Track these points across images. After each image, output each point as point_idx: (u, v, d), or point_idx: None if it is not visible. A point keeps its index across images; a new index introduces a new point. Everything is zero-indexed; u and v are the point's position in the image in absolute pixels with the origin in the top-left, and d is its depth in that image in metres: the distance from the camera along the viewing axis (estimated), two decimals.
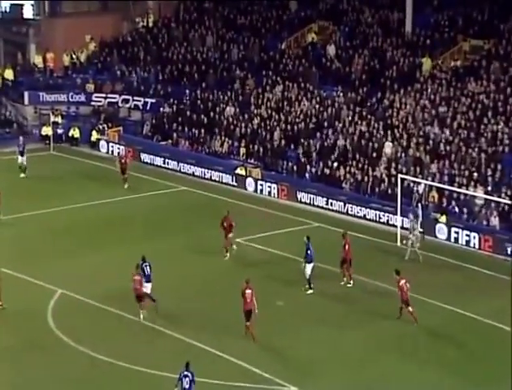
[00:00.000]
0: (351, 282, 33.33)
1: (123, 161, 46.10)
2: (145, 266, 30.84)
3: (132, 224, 40.27)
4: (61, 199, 42.82)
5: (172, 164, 49.22)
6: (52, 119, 53.63)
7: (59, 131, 53.42)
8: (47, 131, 52.96)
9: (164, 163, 49.55)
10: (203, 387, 24.84)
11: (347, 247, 33.25)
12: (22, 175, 46.44)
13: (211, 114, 51.05)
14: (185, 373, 23.69)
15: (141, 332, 29.69)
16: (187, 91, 53.55)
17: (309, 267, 32.55)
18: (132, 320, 30.37)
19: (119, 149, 51.47)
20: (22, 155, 46.50)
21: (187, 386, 23.55)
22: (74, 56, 57.98)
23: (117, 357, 27.52)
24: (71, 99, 55.98)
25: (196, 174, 48.13)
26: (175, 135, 51.29)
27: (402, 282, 30.20)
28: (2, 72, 57.10)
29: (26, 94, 55.86)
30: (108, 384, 26.49)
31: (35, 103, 55.74)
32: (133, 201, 43.71)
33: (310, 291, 32.68)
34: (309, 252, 32.56)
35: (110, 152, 51.87)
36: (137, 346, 28.56)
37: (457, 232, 38.58)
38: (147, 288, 30.55)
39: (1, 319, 30.25)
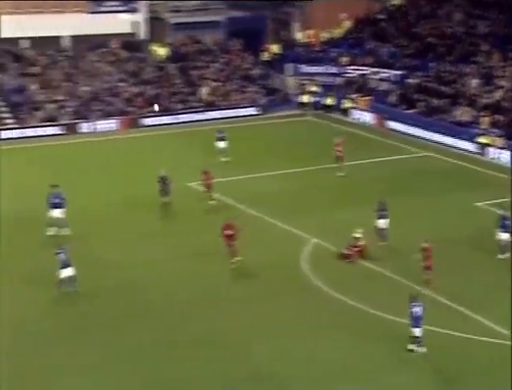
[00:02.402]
0: None
1: (339, 149, 39.10)
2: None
3: (379, 183, 37.79)
4: (318, 159, 41.03)
5: (417, 131, 46.18)
6: (310, 88, 52.55)
7: (316, 99, 52.14)
8: (305, 99, 52.02)
9: (409, 130, 46.62)
10: (434, 336, 22.90)
11: None
12: (223, 159, 40.50)
13: (455, 85, 47.40)
14: (416, 303, 23.07)
15: (386, 283, 27.51)
16: (432, 64, 50.22)
17: (505, 236, 29.03)
18: (376, 271, 28.26)
19: (367, 116, 49.53)
20: (222, 140, 41.50)
21: (420, 313, 22.93)
22: (331, 33, 56.39)
23: (365, 304, 25.69)
24: (326, 71, 54.40)
25: (439, 141, 44.77)
26: (419, 104, 48.18)
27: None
28: (270, 48, 56.53)
29: (288, 66, 54.96)
30: (356, 329, 24.52)
31: (296, 74, 54.77)
32: (378, 164, 41.04)
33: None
34: (506, 222, 29.02)
35: (359, 119, 49.83)
36: (381, 294, 26.48)
37: None
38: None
39: (258, 264, 28.87)
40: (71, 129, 47.37)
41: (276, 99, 53.21)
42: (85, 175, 38.88)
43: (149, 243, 30.85)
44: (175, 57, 54.02)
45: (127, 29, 54.56)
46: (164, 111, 49.97)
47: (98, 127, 47.96)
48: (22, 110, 47.60)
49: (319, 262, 29.18)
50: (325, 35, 56.38)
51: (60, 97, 48.91)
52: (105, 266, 28.87)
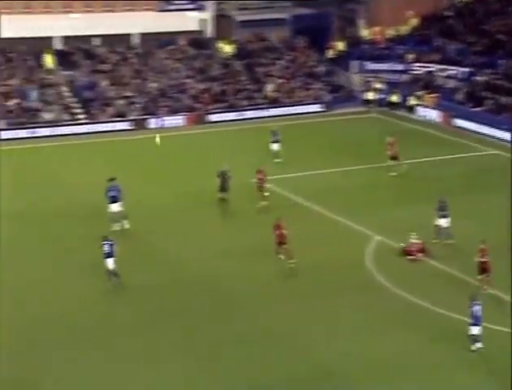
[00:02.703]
0: None
1: (392, 148, 38.06)
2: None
3: (444, 181, 36.94)
4: (382, 156, 40.17)
5: (484, 129, 45.04)
6: (375, 85, 51.93)
7: (381, 96, 51.45)
8: (370, 96, 51.43)
9: (476, 128, 45.49)
10: (500, 335, 22.54)
11: None
12: (276, 160, 39.54)
13: None
14: (476, 302, 22.92)
15: (451, 281, 26.94)
16: (501, 61, 48.98)
17: None
18: (440, 269, 27.66)
19: (433, 114, 48.66)
20: (276, 142, 39.97)
21: (479, 313, 22.79)
22: (397, 30, 55.65)
23: (429, 302, 25.21)
24: (392, 68, 53.62)
25: (506, 139, 43.52)
26: (487, 102, 47.02)
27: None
28: (335, 45, 56.09)
29: (354, 63, 54.39)
30: (419, 327, 24.02)
31: (361, 71, 54.18)
32: (444, 162, 40.20)
33: None
34: None
35: (425, 116, 48.91)
36: (446, 292, 25.96)
37: None
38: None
39: (322, 260, 28.47)
40: (139, 125, 47.81)
41: (341, 96, 52.72)
42: (150, 170, 39.08)
43: (203, 239, 30.56)
44: (241, 54, 54.02)
45: (194, 27, 54.82)
46: (230, 108, 50.04)
47: (166, 122, 48.31)
48: (93, 105, 48.25)
49: (384, 260, 28.66)
50: (391, 32, 55.68)
51: (129, 94, 49.41)
52: (156, 260, 28.72)
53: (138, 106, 48.76)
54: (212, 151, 41.99)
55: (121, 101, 48.79)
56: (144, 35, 52.98)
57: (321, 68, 54.31)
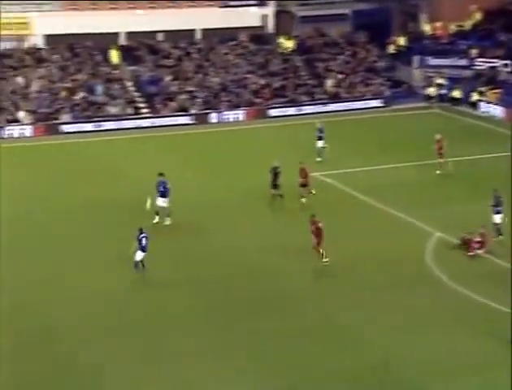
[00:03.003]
0: None
1: (439, 146, 37.64)
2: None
3: (504, 178, 36.05)
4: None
5: None
6: (437, 80, 51.29)
7: (443, 91, 50.79)
8: (431, 91, 50.85)
9: None
10: None
11: None
12: (318, 158, 39.01)
13: None
14: None
15: None
16: None
17: None
18: (501, 265, 27.19)
19: (496, 109, 47.80)
20: (320, 139, 39.49)
21: None
22: (459, 24, 54.77)
23: (492, 300, 24.96)
24: (454, 63, 52.82)
25: None
26: None
27: None
28: (396, 40, 55.53)
29: (415, 58, 53.74)
30: (480, 324, 23.82)
31: (422, 67, 53.50)
32: (506, 158, 39.34)
33: None
34: None
35: (488, 112, 48.08)
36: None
37: None
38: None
39: (382, 255, 28.27)
40: (200, 119, 48.19)
41: (402, 91, 52.19)
42: (208, 164, 39.23)
43: (249, 236, 30.33)
44: (302, 49, 53.90)
45: (256, 23, 54.93)
46: (289, 102, 50.04)
47: (226, 117, 48.60)
48: (156, 100, 48.80)
49: (444, 257, 28.36)
50: (453, 27, 54.84)
51: (191, 88, 49.83)
52: (199, 255, 28.66)
53: (200, 100, 49.14)
54: (271, 146, 41.99)
55: (183, 96, 49.24)
56: (206, 31, 53.35)
57: (381, 63, 53.87)
